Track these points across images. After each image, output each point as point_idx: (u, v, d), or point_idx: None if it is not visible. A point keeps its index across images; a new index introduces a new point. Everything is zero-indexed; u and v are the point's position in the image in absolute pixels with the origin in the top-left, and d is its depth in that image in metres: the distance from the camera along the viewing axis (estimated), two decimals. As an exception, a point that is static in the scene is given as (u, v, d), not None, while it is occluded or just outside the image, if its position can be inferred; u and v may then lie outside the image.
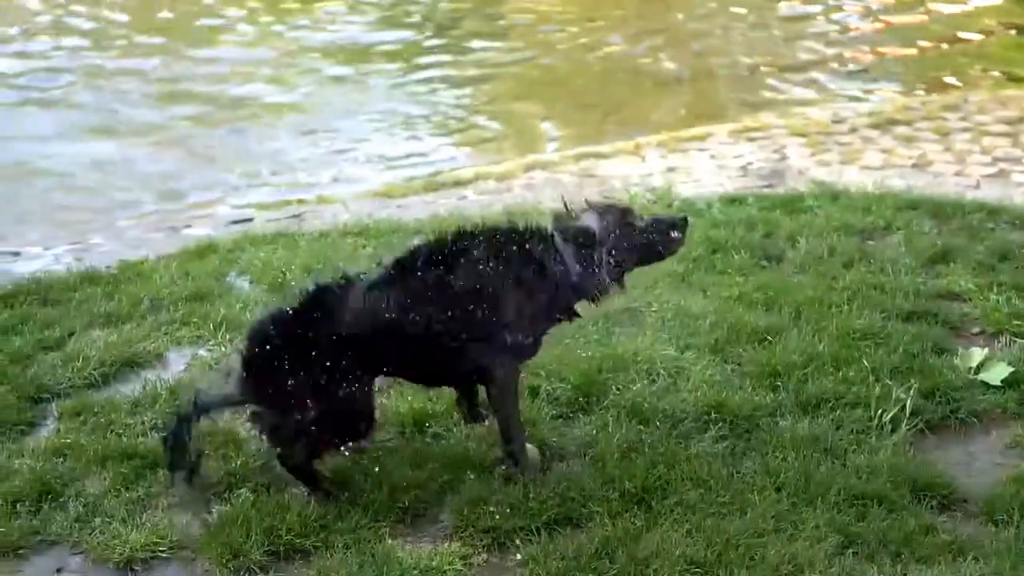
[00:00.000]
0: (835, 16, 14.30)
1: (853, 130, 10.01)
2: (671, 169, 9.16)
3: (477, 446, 4.99)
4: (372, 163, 10.23)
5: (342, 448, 4.78)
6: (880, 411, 5.19)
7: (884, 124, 10.09)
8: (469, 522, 4.55)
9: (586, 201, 4.92)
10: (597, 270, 4.73)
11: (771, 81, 12.24)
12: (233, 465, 4.92)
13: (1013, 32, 13.62)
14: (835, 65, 12.59)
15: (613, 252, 4.76)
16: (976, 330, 6.12)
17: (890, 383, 5.38)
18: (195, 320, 6.22)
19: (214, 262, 7.10)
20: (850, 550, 4.41)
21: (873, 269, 6.69)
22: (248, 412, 4.79)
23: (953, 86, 11.54)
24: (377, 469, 4.85)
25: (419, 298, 4.59)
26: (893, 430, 5.12)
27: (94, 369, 5.71)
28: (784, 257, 6.99)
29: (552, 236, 4.77)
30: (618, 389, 5.43)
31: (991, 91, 11.22)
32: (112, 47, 13.41)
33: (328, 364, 4.53)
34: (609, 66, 12.89)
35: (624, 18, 14.47)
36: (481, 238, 4.71)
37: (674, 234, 4.92)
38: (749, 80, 12.41)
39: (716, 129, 10.24)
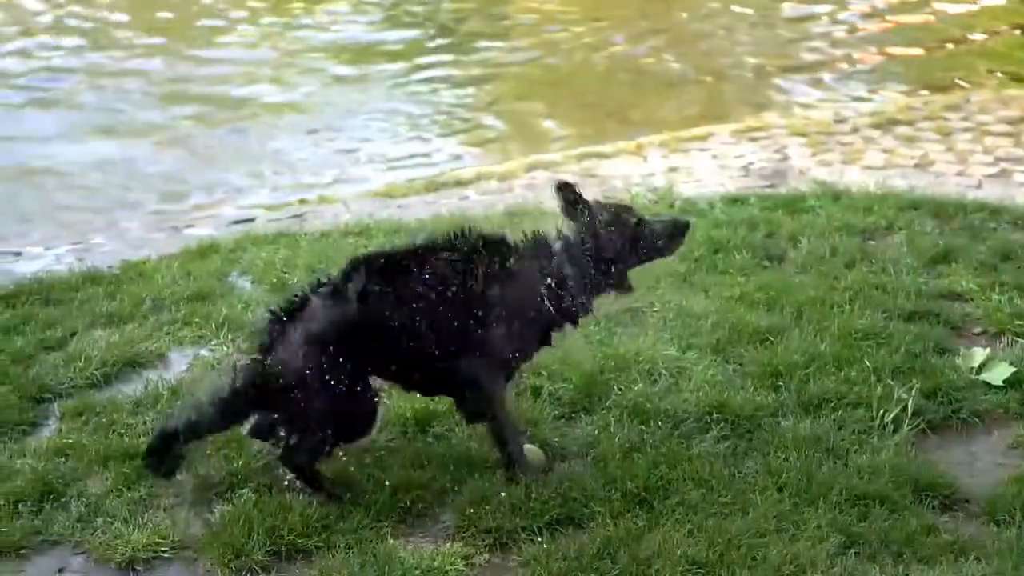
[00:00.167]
0: (839, 16, 14.27)
1: (855, 130, 10.00)
2: (673, 169, 9.15)
3: (479, 446, 4.99)
4: (374, 163, 10.22)
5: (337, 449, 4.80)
6: (882, 411, 5.20)
7: (886, 124, 10.08)
8: (471, 522, 4.55)
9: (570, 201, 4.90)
10: (568, 282, 4.75)
11: (774, 81, 12.23)
12: (235, 465, 4.91)
13: (1018, 32, 13.60)
14: (839, 65, 12.56)
15: (601, 253, 4.76)
16: (978, 330, 6.12)
17: (892, 383, 5.38)
18: (197, 320, 6.22)
19: (216, 262, 7.11)
20: (852, 550, 4.41)
21: (875, 269, 6.69)
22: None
23: (957, 86, 11.52)
24: (379, 469, 4.85)
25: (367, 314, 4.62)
26: (895, 430, 5.13)
27: (96, 369, 5.71)
28: (786, 257, 6.99)
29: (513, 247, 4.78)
30: (620, 389, 5.43)
31: (994, 91, 11.21)
32: (113, 47, 13.38)
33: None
34: (612, 66, 12.88)
35: (628, 18, 14.44)
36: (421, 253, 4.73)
37: (672, 239, 4.94)
38: (752, 80, 12.39)
39: (718, 129, 10.23)
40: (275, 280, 6.67)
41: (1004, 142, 9.52)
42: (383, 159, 10.29)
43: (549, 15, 14.60)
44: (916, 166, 9.08)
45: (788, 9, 14.69)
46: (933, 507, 4.71)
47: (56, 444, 5.11)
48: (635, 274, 4.96)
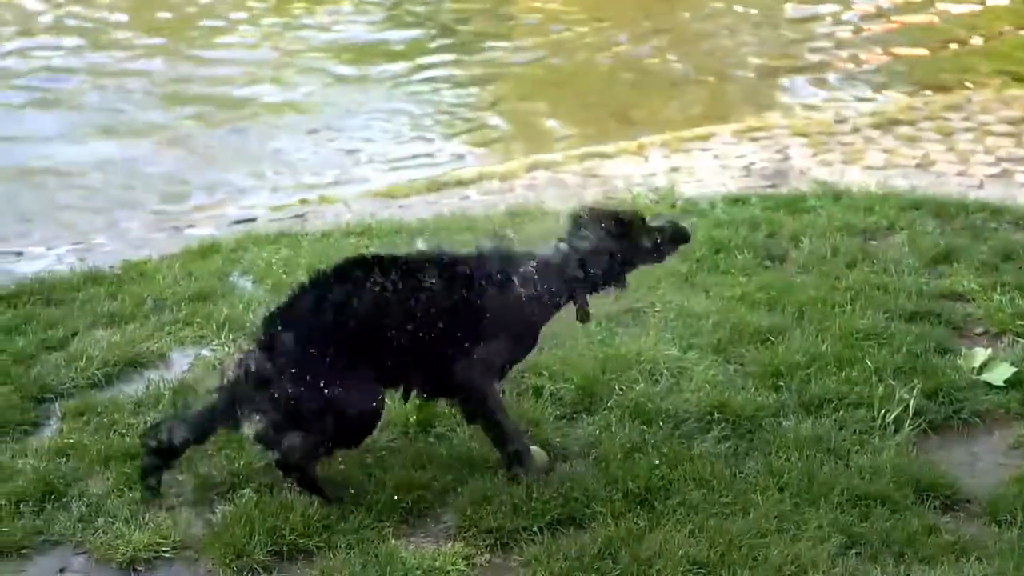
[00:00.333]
0: (843, 16, 14.27)
1: (855, 130, 9.99)
2: (674, 169, 9.15)
3: (480, 446, 4.98)
4: (375, 163, 10.23)
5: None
6: (883, 411, 5.19)
7: (886, 124, 10.08)
8: (472, 522, 4.55)
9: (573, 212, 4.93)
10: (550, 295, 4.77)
11: (777, 81, 12.23)
12: (236, 465, 4.91)
13: (1022, 32, 13.59)
14: (842, 65, 12.56)
15: (596, 264, 4.79)
16: (979, 330, 6.11)
17: (893, 383, 5.37)
18: (198, 320, 6.22)
19: (217, 262, 7.11)
20: (853, 550, 4.40)
21: (876, 269, 6.69)
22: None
23: (959, 86, 11.52)
24: (381, 469, 4.85)
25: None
26: (896, 430, 5.12)
27: (97, 369, 5.71)
28: (787, 257, 6.98)
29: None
30: (621, 389, 5.42)
31: (996, 91, 11.20)
32: (114, 47, 13.39)
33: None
34: (616, 66, 12.88)
35: (631, 18, 14.44)
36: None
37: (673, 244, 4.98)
38: (755, 80, 12.39)
39: (719, 129, 10.23)
40: (276, 280, 6.66)
41: (1006, 142, 9.51)
42: (384, 159, 10.30)
43: (552, 15, 14.60)
44: (917, 166, 9.08)
45: (791, 9, 14.69)
46: (934, 507, 4.70)
47: (57, 444, 5.10)
48: (634, 275, 4.98)
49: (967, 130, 9.84)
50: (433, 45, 13.60)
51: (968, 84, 11.55)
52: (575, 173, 9.25)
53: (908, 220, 7.40)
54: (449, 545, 4.48)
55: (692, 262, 6.72)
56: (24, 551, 4.52)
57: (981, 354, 5.65)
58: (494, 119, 11.39)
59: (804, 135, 9.87)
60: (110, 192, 9.54)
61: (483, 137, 10.94)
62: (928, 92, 11.41)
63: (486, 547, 4.47)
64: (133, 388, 5.63)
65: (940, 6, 14.45)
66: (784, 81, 12.22)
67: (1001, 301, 6.24)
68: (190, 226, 8.44)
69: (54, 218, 8.90)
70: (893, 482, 4.75)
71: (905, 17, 14.17)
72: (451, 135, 10.97)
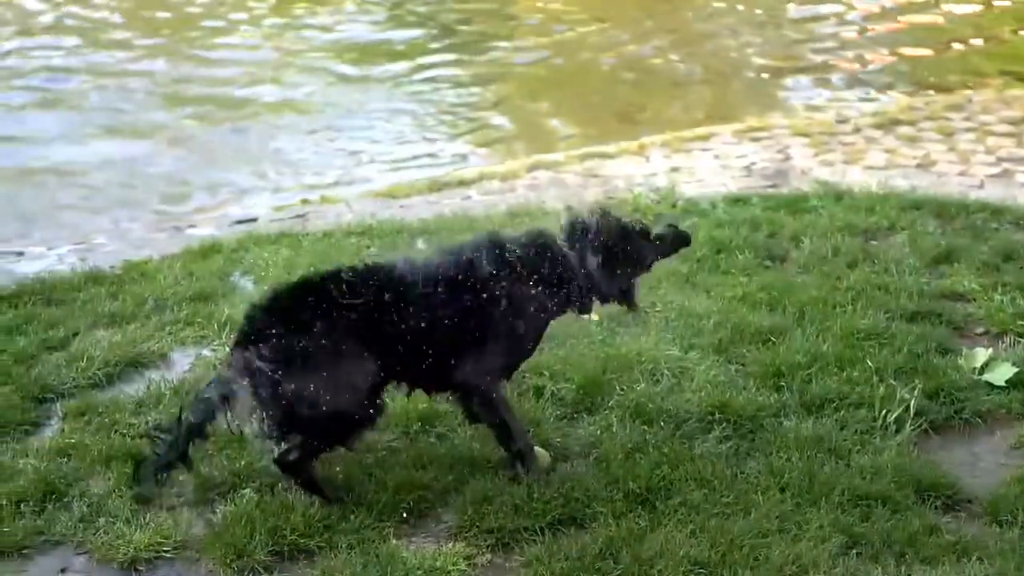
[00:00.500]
0: (847, 17, 14.26)
1: (857, 130, 10.00)
2: (675, 169, 9.15)
3: (481, 446, 4.99)
4: (377, 163, 10.23)
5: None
6: (884, 411, 5.19)
7: (887, 124, 10.08)
8: (473, 522, 4.55)
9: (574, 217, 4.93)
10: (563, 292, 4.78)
11: (780, 81, 12.23)
12: (237, 465, 4.92)
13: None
14: (845, 66, 12.56)
15: (597, 271, 4.81)
16: (980, 330, 6.11)
17: (894, 383, 5.37)
18: (199, 320, 6.23)
19: (218, 262, 7.11)
20: (854, 550, 4.41)
21: (877, 269, 6.69)
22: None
23: (960, 86, 11.51)
24: (381, 469, 4.85)
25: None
26: (897, 430, 5.12)
27: (98, 369, 5.72)
28: (788, 257, 6.99)
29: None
30: (622, 389, 5.43)
31: (997, 91, 11.20)
32: (114, 47, 13.40)
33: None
34: (618, 66, 12.87)
35: (633, 18, 14.44)
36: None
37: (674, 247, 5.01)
38: (757, 81, 12.39)
39: (720, 129, 10.23)
40: (277, 280, 6.64)
41: (1007, 142, 9.51)
42: (386, 159, 10.30)
43: (554, 15, 14.60)
44: (918, 166, 9.08)
45: (794, 10, 14.69)
46: (935, 507, 4.71)
47: (58, 444, 5.11)
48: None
49: (968, 130, 9.84)
50: (435, 45, 13.59)
51: (969, 84, 11.54)
52: (576, 173, 9.26)
53: (909, 220, 7.40)
54: (450, 545, 4.48)
55: (693, 262, 6.72)
56: (25, 551, 4.53)
57: (982, 354, 5.65)
58: (496, 119, 11.39)
59: (805, 135, 9.87)
60: (111, 192, 9.54)
61: (485, 137, 10.93)
62: (930, 92, 11.41)
63: (487, 547, 4.48)
64: (134, 388, 5.64)
65: (945, 7, 14.44)
66: (787, 81, 12.22)
67: (1002, 301, 6.24)
68: (191, 226, 8.44)
69: (55, 218, 8.91)
70: (894, 482, 4.75)
71: (910, 17, 14.15)
72: (453, 135, 10.97)
